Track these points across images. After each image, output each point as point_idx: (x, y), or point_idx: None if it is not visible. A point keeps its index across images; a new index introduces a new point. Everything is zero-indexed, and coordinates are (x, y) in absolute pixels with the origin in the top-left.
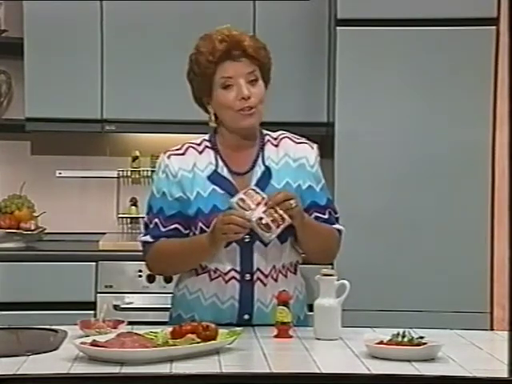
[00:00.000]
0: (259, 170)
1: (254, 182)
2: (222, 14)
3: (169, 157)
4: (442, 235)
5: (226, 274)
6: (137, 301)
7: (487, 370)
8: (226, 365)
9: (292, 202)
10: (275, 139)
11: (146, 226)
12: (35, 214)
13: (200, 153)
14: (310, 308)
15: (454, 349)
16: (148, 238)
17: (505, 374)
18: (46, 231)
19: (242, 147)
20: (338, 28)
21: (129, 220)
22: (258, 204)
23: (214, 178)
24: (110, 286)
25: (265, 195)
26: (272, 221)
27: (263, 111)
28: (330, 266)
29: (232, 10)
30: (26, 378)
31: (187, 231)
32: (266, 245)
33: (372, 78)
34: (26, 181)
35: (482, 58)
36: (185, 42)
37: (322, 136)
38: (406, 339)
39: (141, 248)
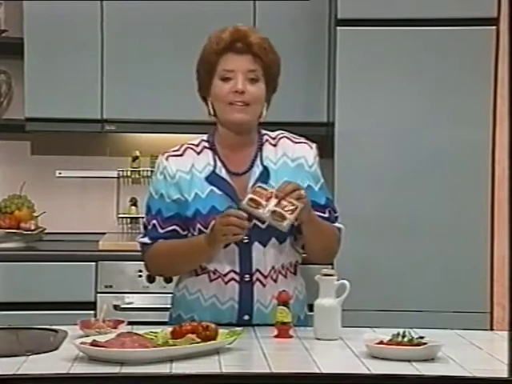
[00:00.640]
0: (257, 170)
1: (251, 182)
2: (222, 14)
3: (167, 158)
4: (442, 235)
5: (225, 275)
6: (137, 301)
7: (487, 370)
8: (226, 365)
9: (302, 191)
10: (274, 139)
11: (145, 227)
12: (35, 214)
13: (198, 153)
14: (311, 308)
15: (454, 349)
16: (146, 240)
17: (505, 374)
18: (46, 231)
19: (239, 146)
20: (338, 28)
21: (129, 220)
22: (268, 199)
23: (212, 178)
24: (110, 286)
25: (272, 189)
26: (285, 210)
27: (259, 112)
28: (330, 266)
29: (232, 10)
30: (26, 378)
31: (185, 232)
32: (264, 246)
33: (372, 77)
34: (26, 181)
35: (482, 58)
36: (185, 42)
37: (321, 136)
38: (406, 339)
39: (140, 249)
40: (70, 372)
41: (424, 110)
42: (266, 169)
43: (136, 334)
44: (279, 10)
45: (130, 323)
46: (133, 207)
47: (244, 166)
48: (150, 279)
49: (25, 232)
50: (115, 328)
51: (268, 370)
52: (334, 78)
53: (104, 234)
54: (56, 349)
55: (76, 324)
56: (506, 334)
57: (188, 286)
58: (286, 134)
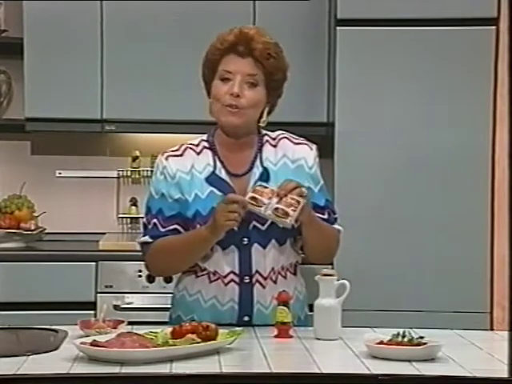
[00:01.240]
0: (257, 171)
1: (251, 183)
2: (222, 14)
3: (167, 158)
4: (442, 235)
5: (225, 276)
6: (137, 301)
7: (487, 370)
8: (225, 365)
9: (303, 188)
10: (274, 139)
11: (145, 227)
12: (35, 214)
13: (198, 154)
14: (311, 308)
15: (454, 349)
16: (147, 239)
17: (505, 374)
18: (46, 231)
19: (238, 148)
20: (338, 28)
21: (129, 220)
22: (270, 198)
23: (212, 179)
24: (110, 286)
25: (273, 187)
26: (288, 207)
27: (254, 117)
28: (330, 266)
29: (232, 10)
30: (26, 378)
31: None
32: (264, 247)
33: (372, 77)
34: (26, 181)
35: (481, 58)
36: (185, 42)
37: (321, 136)
38: (406, 339)
39: (140, 249)
40: (70, 372)
41: (424, 109)
42: (265, 170)
43: (136, 334)
44: (279, 10)
45: (130, 323)
46: (133, 207)
47: (244, 168)
48: (150, 279)
49: (25, 232)
50: (115, 328)
51: (268, 370)
52: (334, 78)
53: (104, 234)
54: (56, 349)
55: (76, 324)
56: (506, 333)
57: (188, 287)
58: (287, 134)
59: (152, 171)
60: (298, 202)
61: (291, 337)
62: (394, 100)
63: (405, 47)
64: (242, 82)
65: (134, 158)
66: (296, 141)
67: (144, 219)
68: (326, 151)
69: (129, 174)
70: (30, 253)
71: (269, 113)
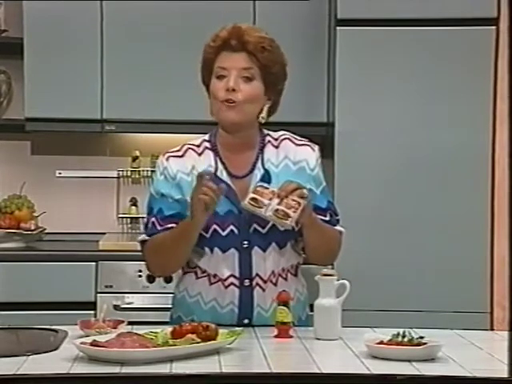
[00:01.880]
0: (258, 173)
1: (253, 185)
2: (222, 13)
3: (167, 159)
4: (442, 235)
5: (225, 279)
6: (137, 301)
7: (487, 370)
8: (225, 365)
9: (304, 190)
10: (276, 140)
11: (146, 226)
12: (35, 214)
13: (199, 155)
14: (312, 308)
15: (454, 349)
16: (144, 237)
17: (505, 374)
18: (46, 231)
19: (239, 148)
20: (338, 28)
21: (129, 220)
22: (271, 199)
23: (214, 181)
24: (110, 286)
25: (274, 188)
26: (288, 208)
27: (253, 112)
28: (330, 266)
29: (232, 10)
30: (26, 378)
31: None
32: (264, 250)
33: (372, 77)
34: (26, 181)
35: (482, 58)
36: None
37: (322, 136)
38: (406, 339)
39: (140, 249)
40: (70, 372)
41: (424, 109)
42: (267, 172)
43: (136, 334)
44: (279, 10)
45: (130, 323)
46: (133, 207)
47: (245, 169)
48: (150, 279)
49: (25, 232)
50: (115, 328)
51: (268, 370)
52: (333, 78)
53: (104, 234)
54: (56, 349)
55: (76, 324)
56: (506, 333)
57: (188, 288)
58: (289, 135)
59: (152, 171)
60: (299, 204)
61: (291, 337)
62: (394, 100)
63: (405, 47)
64: (238, 77)
65: (134, 158)
66: (298, 142)
67: (145, 219)
68: (326, 151)
69: (129, 173)
70: (30, 253)
71: (272, 112)
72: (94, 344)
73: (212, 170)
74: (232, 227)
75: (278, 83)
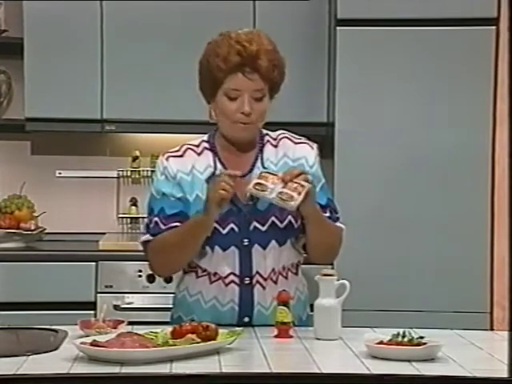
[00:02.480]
0: (258, 172)
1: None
2: (222, 14)
3: (167, 159)
4: (442, 235)
5: (225, 277)
6: (137, 301)
7: (487, 370)
8: (225, 365)
9: (308, 175)
10: (275, 139)
11: (147, 227)
12: (35, 214)
13: (199, 154)
14: (312, 308)
15: (454, 349)
16: (148, 237)
17: (505, 374)
18: (46, 231)
19: (239, 150)
20: (337, 28)
21: (129, 220)
22: (275, 184)
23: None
24: (110, 286)
25: (279, 173)
26: (292, 191)
27: (262, 125)
28: (330, 266)
29: (232, 10)
30: (26, 378)
31: None
32: (264, 248)
33: (372, 77)
34: (26, 181)
35: (482, 58)
36: (185, 42)
37: (322, 136)
38: (406, 339)
39: (142, 249)
40: (70, 372)
41: (424, 109)
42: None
43: (136, 334)
44: (279, 10)
45: (130, 323)
46: (133, 207)
47: (244, 169)
48: (150, 279)
49: (25, 232)
50: (115, 328)
51: (268, 370)
52: (333, 78)
53: (104, 234)
54: (56, 349)
55: (76, 324)
56: (506, 333)
57: (189, 287)
58: (287, 134)
59: (152, 171)
60: (303, 187)
61: (291, 337)
62: (394, 100)
63: (405, 47)
64: (251, 98)
65: (134, 158)
66: (297, 140)
67: (146, 219)
68: (326, 151)
69: (129, 173)
70: (30, 253)
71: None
72: (94, 344)
73: (212, 170)
74: (232, 225)
75: (280, 85)
